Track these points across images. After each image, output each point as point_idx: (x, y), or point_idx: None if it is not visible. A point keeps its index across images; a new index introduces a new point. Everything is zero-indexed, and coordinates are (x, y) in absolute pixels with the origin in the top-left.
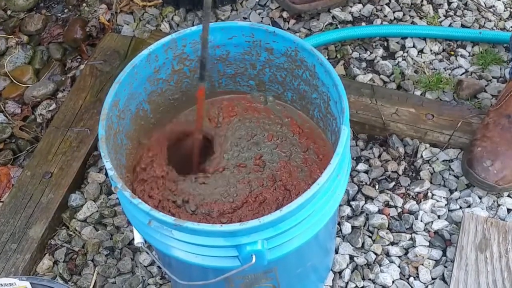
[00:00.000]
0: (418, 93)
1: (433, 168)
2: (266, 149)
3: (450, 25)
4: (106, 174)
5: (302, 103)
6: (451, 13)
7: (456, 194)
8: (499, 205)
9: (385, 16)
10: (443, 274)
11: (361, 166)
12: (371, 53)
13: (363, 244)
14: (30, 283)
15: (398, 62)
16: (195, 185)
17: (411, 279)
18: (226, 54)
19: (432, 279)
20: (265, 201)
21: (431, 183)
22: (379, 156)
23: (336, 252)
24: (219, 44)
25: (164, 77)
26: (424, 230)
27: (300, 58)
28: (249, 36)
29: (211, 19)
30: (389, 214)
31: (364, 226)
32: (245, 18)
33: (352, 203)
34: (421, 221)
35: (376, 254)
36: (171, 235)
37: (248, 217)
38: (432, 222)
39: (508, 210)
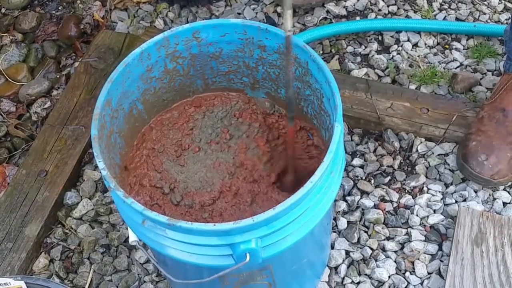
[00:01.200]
0: (413, 87)
1: (428, 162)
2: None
3: (444, 19)
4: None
5: (296, 100)
6: (446, 6)
7: (451, 188)
8: (494, 199)
9: (380, 10)
10: (439, 269)
11: (357, 161)
12: (365, 47)
13: (359, 239)
14: (25, 282)
15: (393, 56)
16: (176, 167)
17: (407, 273)
18: (219, 51)
19: (428, 273)
20: (238, 192)
21: (426, 177)
22: (375, 151)
23: (332, 248)
24: (211, 42)
25: (157, 75)
26: (420, 224)
27: (293, 55)
28: (241, 33)
29: (292, 59)
30: (384, 209)
31: (359, 221)
32: (239, 14)
33: (348, 198)
34: (417, 215)
35: (372, 249)
36: (165, 234)
37: (227, 211)
38: (427, 216)
39: (504, 204)
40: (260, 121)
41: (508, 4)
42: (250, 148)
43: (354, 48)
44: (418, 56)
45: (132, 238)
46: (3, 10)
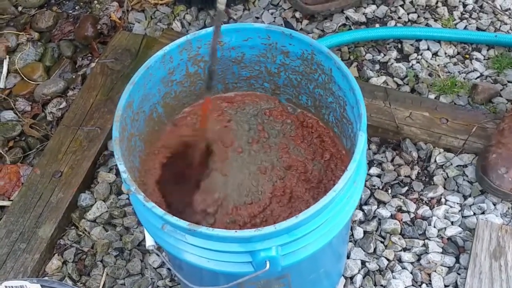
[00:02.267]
0: (432, 96)
1: (446, 173)
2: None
3: (465, 28)
4: (116, 174)
5: (317, 107)
6: (466, 15)
7: (470, 200)
8: None
9: (399, 17)
10: (456, 282)
11: (374, 170)
12: (384, 55)
13: (375, 249)
14: (41, 285)
15: (412, 64)
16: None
17: (424, 286)
18: (241, 56)
19: (445, 286)
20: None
21: (444, 188)
22: (392, 160)
23: (348, 257)
24: (234, 46)
25: (179, 79)
26: (437, 236)
27: (317, 62)
28: (265, 38)
29: (222, 23)
30: (401, 219)
31: (376, 231)
32: (257, 18)
33: (365, 207)
34: (434, 227)
35: (388, 260)
36: (184, 239)
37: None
38: (445, 228)
39: None
40: (292, 119)
41: None
42: (290, 148)
43: (373, 56)
44: (438, 65)
45: (149, 243)
46: (20, 9)
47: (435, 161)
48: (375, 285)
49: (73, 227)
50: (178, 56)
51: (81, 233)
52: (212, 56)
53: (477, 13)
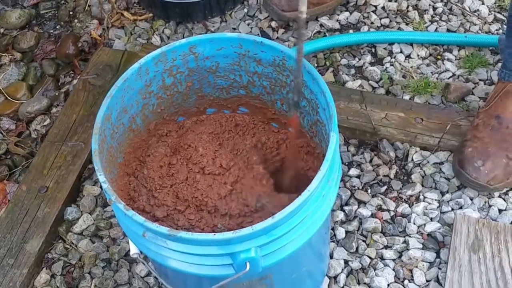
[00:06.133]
0: (406, 97)
1: (424, 171)
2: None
3: (436, 30)
4: (101, 187)
5: (291, 112)
6: (437, 18)
7: (447, 196)
8: (490, 206)
9: (372, 23)
10: (437, 276)
11: (353, 171)
12: (359, 59)
13: (357, 248)
14: None
15: (386, 67)
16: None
17: (406, 281)
18: (216, 65)
19: (427, 281)
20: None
21: (422, 186)
22: (371, 161)
23: (331, 257)
24: (208, 56)
25: (156, 90)
26: (417, 232)
27: (288, 67)
28: (237, 47)
29: (305, 39)
30: (382, 218)
31: (357, 230)
32: (234, 29)
33: (345, 208)
34: (414, 223)
35: (370, 258)
36: (165, 245)
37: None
38: (424, 224)
39: (500, 211)
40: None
41: (498, 15)
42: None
43: (348, 61)
44: (411, 67)
45: (133, 250)
46: (1, 30)
47: (412, 159)
48: (358, 283)
49: (60, 241)
50: (154, 68)
51: (68, 246)
52: (297, 67)
53: (447, 15)
